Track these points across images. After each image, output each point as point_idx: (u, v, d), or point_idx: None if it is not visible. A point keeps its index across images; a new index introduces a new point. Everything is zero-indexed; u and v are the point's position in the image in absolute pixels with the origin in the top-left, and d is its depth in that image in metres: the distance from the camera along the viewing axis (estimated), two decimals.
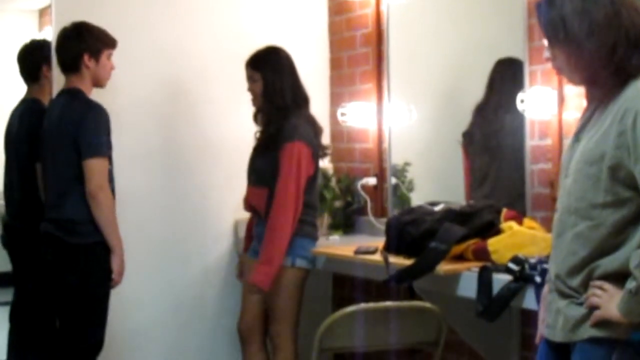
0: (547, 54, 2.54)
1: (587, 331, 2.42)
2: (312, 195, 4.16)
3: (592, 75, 2.46)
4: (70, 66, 4.09)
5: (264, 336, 4.30)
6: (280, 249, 4.01)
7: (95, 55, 4.07)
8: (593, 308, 2.39)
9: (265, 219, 4.12)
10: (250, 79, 4.21)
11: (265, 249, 4.02)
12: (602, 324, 2.39)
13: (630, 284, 2.31)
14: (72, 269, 4.01)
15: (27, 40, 5.05)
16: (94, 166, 3.93)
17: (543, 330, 2.61)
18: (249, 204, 4.28)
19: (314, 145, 4.12)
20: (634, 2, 2.46)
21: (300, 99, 4.17)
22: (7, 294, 5.08)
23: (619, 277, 2.36)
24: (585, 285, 2.43)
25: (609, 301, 2.36)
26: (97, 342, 4.08)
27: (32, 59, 4.77)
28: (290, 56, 4.22)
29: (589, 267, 2.41)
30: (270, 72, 4.15)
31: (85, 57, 4.06)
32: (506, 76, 4.12)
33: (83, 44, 4.06)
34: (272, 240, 4.01)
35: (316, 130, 4.19)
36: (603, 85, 2.46)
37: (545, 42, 2.53)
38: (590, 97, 2.56)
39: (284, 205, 4.00)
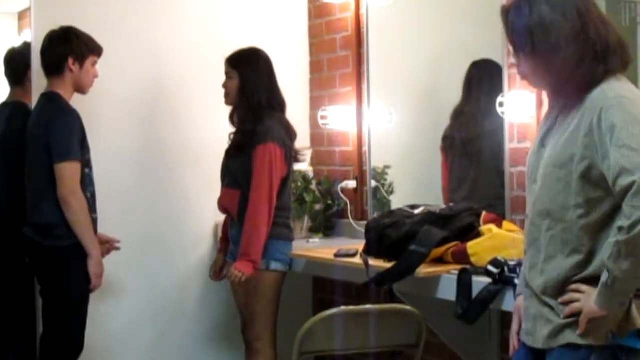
0: (512, 59, 2.56)
1: (567, 337, 2.43)
2: (284, 197, 4.15)
3: (557, 86, 2.49)
4: (54, 69, 4.09)
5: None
6: (257, 248, 4.01)
7: (80, 59, 4.08)
8: (574, 315, 2.40)
9: (238, 221, 4.13)
10: (226, 75, 4.22)
11: (242, 247, 4.03)
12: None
13: (604, 277, 2.32)
14: (49, 272, 4.01)
15: (6, 42, 5.03)
16: (65, 170, 3.93)
17: (515, 342, 2.63)
18: (222, 205, 4.29)
19: (286, 147, 4.12)
20: (601, 14, 2.48)
21: (275, 102, 4.17)
22: None
23: (595, 282, 2.37)
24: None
25: (587, 300, 2.38)
26: (77, 345, 4.06)
27: (17, 63, 4.75)
28: (269, 59, 4.23)
29: (568, 277, 2.42)
30: (248, 71, 4.15)
31: (70, 61, 4.06)
32: (483, 78, 4.14)
33: (68, 47, 4.07)
34: (250, 240, 4.01)
35: (290, 134, 4.19)
36: (567, 95, 2.48)
37: (511, 48, 2.55)
38: (553, 102, 2.58)
39: (259, 207, 4.01)
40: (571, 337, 2.42)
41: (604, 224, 2.39)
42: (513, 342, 2.66)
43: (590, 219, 2.39)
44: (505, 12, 2.51)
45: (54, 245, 3.98)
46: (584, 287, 2.40)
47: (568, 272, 2.42)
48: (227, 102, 4.23)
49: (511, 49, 2.54)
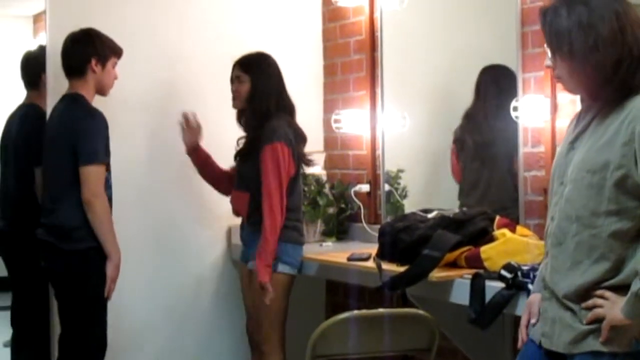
0: (548, 61, 2.55)
1: (590, 344, 2.41)
2: (293, 198, 4.14)
3: (594, 90, 2.45)
4: (76, 70, 4.07)
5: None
6: (271, 249, 4.01)
7: (103, 60, 4.08)
8: (597, 321, 2.39)
9: (248, 223, 4.14)
10: (237, 79, 4.21)
11: (260, 250, 4.01)
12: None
13: (635, 286, 2.31)
14: (69, 275, 3.99)
15: (22, 46, 5.07)
16: (90, 173, 3.91)
17: (524, 335, 2.62)
18: (233, 208, 4.31)
19: (293, 146, 4.10)
20: (638, 18, 2.45)
21: (283, 106, 4.16)
22: (4, 299, 5.08)
23: (622, 290, 2.36)
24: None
25: (612, 307, 2.36)
26: (99, 344, 4.06)
27: (32, 66, 4.78)
28: (277, 64, 4.22)
29: (594, 283, 2.41)
30: (260, 75, 4.15)
31: (93, 62, 4.05)
32: (492, 82, 4.14)
33: (91, 48, 4.06)
34: (265, 241, 4.01)
35: (299, 137, 4.18)
36: (604, 99, 2.45)
37: (548, 50, 2.52)
38: (588, 106, 2.55)
39: (271, 207, 4.00)
40: (594, 344, 2.40)
41: (637, 233, 2.37)
42: (522, 335, 2.65)
43: (621, 227, 2.37)
44: (543, 13, 2.49)
45: (72, 249, 3.95)
46: (608, 294, 2.38)
47: (594, 278, 2.41)
48: (235, 106, 4.23)
49: (548, 50, 2.51)
